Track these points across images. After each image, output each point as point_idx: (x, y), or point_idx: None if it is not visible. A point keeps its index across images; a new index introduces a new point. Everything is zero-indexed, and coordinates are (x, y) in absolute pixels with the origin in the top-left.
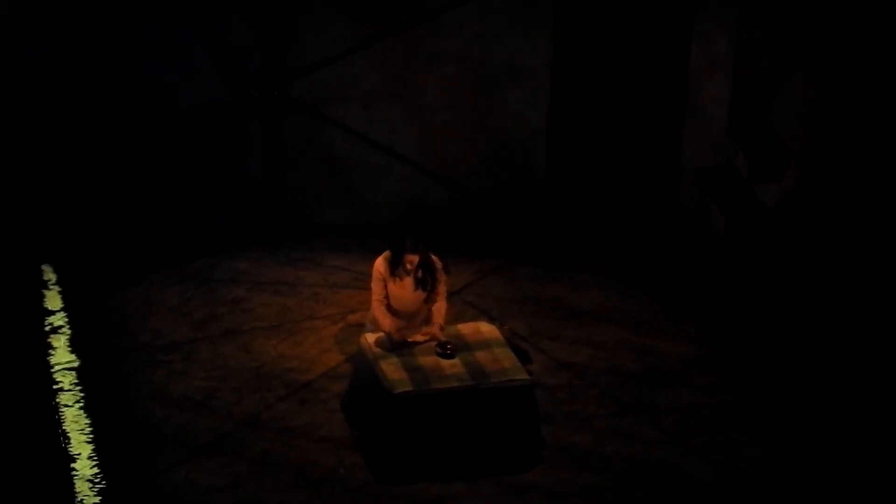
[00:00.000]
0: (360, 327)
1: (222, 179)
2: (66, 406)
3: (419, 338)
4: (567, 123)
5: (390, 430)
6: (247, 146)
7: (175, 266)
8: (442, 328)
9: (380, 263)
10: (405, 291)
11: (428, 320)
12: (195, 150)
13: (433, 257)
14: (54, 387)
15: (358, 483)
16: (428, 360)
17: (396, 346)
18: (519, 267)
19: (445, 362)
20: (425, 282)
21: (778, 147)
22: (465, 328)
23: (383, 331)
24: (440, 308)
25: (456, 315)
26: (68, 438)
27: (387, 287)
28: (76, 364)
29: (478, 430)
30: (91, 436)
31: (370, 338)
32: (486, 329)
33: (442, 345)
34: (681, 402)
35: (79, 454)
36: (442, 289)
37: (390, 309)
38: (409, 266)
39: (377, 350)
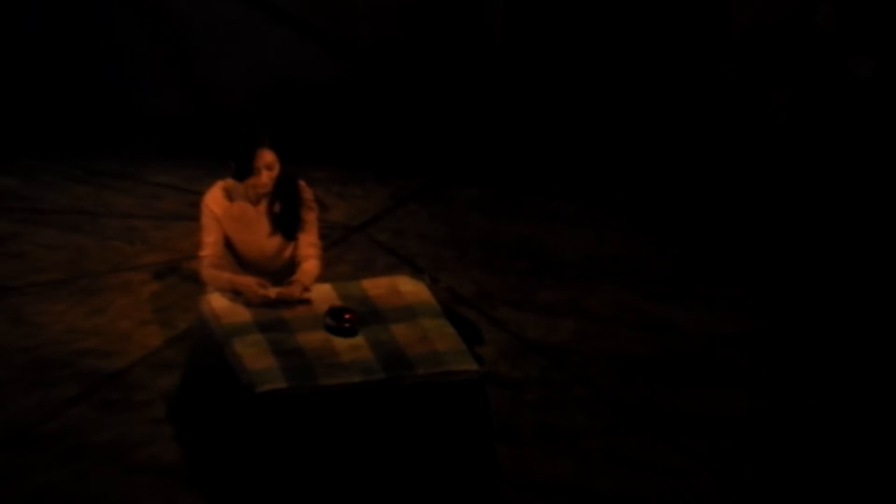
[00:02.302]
0: (199, 284)
1: None
2: None
3: (272, 293)
4: None
5: (251, 451)
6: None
7: None
8: (306, 290)
9: (213, 196)
10: (257, 235)
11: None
12: None
13: (300, 183)
14: None
15: None
16: (313, 337)
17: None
18: (458, 189)
19: (341, 341)
20: (287, 221)
21: None
22: (375, 286)
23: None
24: (308, 268)
25: (360, 264)
26: None
27: (227, 233)
28: None
29: (394, 452)
30: None
31: (216, 302)
32: (410, 288)
33: (336, 313)
34: (721, 410)
35: None
36: (312, 237)
37: (238, 267)
38: (265, 177)
39: (228, 321)
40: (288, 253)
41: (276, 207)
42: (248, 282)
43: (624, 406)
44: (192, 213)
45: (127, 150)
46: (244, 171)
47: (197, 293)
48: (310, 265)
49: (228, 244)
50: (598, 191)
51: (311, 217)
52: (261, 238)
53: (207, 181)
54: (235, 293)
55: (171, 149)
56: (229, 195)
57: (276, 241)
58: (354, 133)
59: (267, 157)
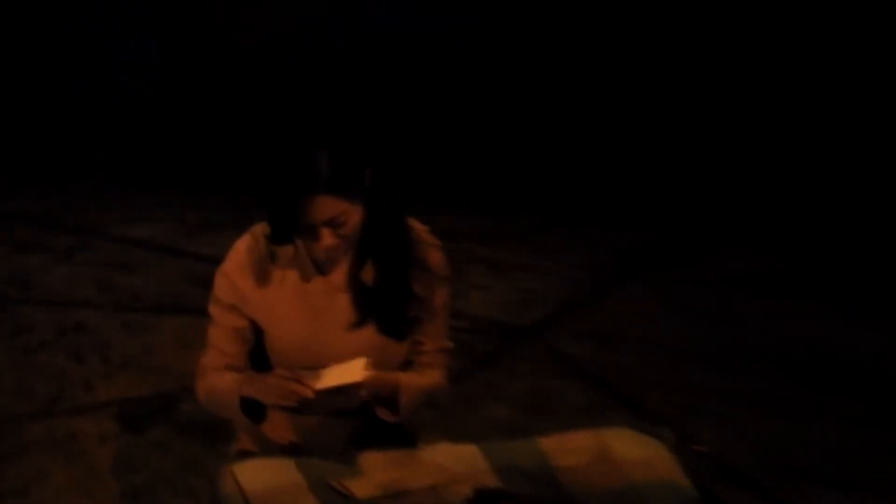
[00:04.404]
0: (215, 438)
1: None
2: None
3: (332, 380)
4: None
5: None
6: None
7: None
8: (397, 411)
9: (237, 256)
10: (327, 327)
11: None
12: None
13: (418, 229)
14: None
15: None
16: None
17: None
18: (721, 254)
19: None
20: (391, 302)
21: None
22: (564, 447)
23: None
24: (426, 381)
25: (531, 401)
26: None
27: (262, 326)
28: None
29: None
30: None
31: (250, 478)
32: (635, 453)
33: (486, 501)
34: None
35: None
36: (438, 336)
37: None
38: (327, 239)
39: None
40: (390, 362)
41: (369, 275)
42: (269, 379)
43: None
44: (195, 298)
45: (73, 172)
46: (283, 230)
47: (209, 460)
48: (431, 377)
49: (263, 345)
50: None
51: (439, 297)
52: (333, 333)
53: (219, 233)
54: (252, 415)
55: (151, 172)
56: (270, 253)
57: (366, 338)
58: (520, 145)
59: (328, 206)
